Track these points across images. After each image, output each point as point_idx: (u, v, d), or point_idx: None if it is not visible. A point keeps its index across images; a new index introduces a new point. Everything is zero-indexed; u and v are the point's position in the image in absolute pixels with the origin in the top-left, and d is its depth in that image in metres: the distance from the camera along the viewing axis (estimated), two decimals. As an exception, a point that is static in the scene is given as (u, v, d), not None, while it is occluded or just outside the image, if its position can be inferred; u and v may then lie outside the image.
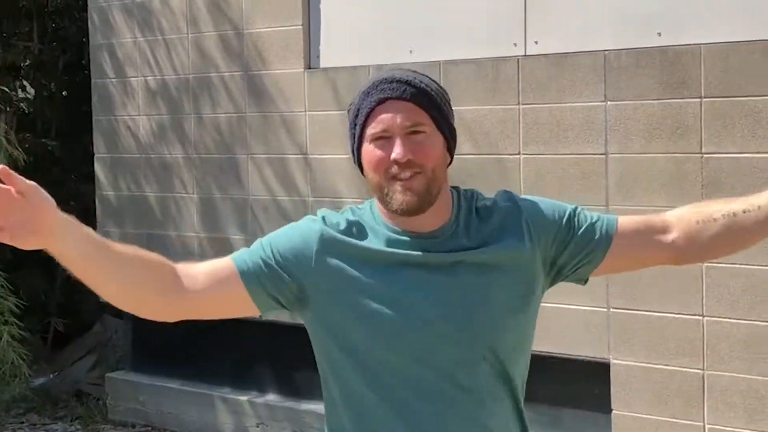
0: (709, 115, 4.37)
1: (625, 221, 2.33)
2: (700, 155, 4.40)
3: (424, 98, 2.20)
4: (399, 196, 2.17)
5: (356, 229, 2.25)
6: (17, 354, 6.09)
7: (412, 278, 2.18)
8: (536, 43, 4.88)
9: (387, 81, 2.21)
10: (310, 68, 5.69)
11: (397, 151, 2.15)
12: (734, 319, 4.36)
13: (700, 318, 4.43)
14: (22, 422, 6.81)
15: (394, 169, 2.16)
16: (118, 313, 6.97)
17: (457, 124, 2.27)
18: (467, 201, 2.29)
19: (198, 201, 6.19)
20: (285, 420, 5.92)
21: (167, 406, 6.44)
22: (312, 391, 5.73)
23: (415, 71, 2.27)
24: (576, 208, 2.33)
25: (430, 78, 2.27)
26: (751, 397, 4.33)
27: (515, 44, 4.95)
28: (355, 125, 2.24)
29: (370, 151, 2.20)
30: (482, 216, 2.27)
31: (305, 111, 5.67)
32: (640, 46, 4.57)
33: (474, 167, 4.90)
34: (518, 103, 4.88)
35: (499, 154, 4.94)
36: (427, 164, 2.17)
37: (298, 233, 2.25)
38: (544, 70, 4.82)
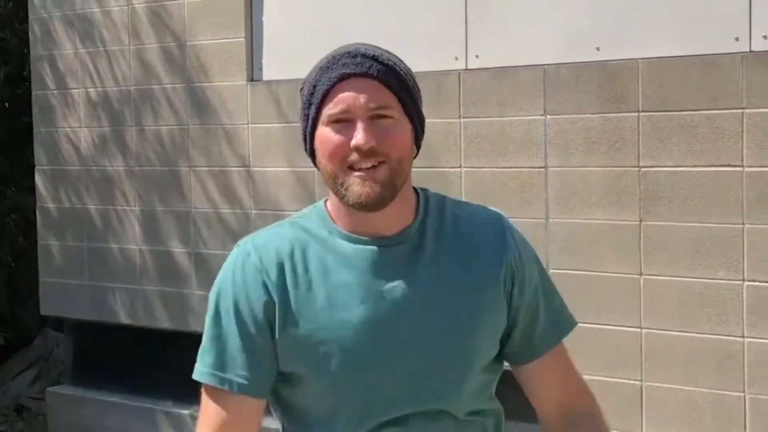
0: (647, 129, 4.42)
1: (558, 357, 2.15)
2: (637, 169, 4.44)
3: (392, 77, 1.90)
4: (357, 188, 1.87)
5: (301, 249, 1.94)
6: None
7: (372, 312, 1.90)
8: (477, 57, 4.91)
9: (350, 55, 1.91)
10: (252, 81, 5.68)
11: (358, 137, 1.85)
12: (673, 331, 4.40)
13: (639, 330, 4.47)
14: (-39, 438, 6.74)
15: (354, 157, 1.86)
16: (60, 327, 6.91)
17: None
18: (439, 208, 2.05)
19: (140, 213, 6.15)
20: (227, 433, 5.88)
21: (109, 420, 6.38)
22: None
23: (380, 47, 1.97)
24: (546, 282, 2.16)
25: (397, 57, 1.97)
26: (689, 408, 4.38)
27: (456, 58, 4.98)
28: (310, 105, 1.94)
29: (326, 135, 1.89)
30: (460, 229, 2.01)
31: (248, 123, 5.66)
32: (579, 61, 4.62)
33: (416, 180, 4.87)
34: (459, 117, 4.90)
35: (441, 167, 4.96)
36: (393, 154, 1.90)
37: (249, 297, 1.95)
38: (485, 84, 4.85)
